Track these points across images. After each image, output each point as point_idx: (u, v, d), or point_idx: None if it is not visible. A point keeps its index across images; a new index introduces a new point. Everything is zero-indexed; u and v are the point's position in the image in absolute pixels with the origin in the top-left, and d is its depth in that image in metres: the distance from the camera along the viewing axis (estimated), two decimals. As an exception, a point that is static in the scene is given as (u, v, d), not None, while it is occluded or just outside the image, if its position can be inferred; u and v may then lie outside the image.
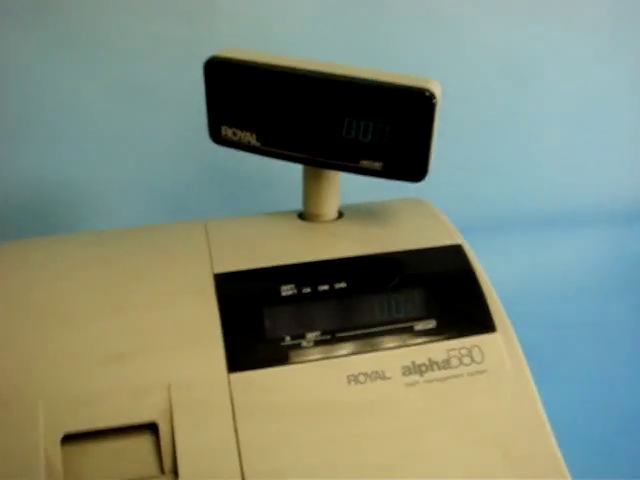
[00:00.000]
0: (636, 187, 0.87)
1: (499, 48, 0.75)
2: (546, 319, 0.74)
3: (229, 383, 0.38)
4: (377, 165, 0.42)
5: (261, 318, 0.41)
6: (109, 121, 0.69)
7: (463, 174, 0.78)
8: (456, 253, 0.45)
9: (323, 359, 0.40)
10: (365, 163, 0.42)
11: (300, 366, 0.39)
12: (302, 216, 0.49)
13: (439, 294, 0.43)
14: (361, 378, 0.39)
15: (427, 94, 0.39)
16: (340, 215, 0.49)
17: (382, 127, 0.41)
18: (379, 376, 0.40)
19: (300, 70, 0.41)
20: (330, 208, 0.48)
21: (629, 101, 0.82)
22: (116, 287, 0.42)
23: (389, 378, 0.40)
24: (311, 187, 0.47)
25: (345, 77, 0.41)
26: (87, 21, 0.64)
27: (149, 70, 0.67)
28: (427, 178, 0.43)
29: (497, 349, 0.41)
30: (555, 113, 0.80)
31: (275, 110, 0.42)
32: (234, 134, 0.44)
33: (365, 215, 0.49)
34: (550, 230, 0.84)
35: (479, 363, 0.41)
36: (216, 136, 0.45)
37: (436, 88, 0.40)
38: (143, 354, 0.39)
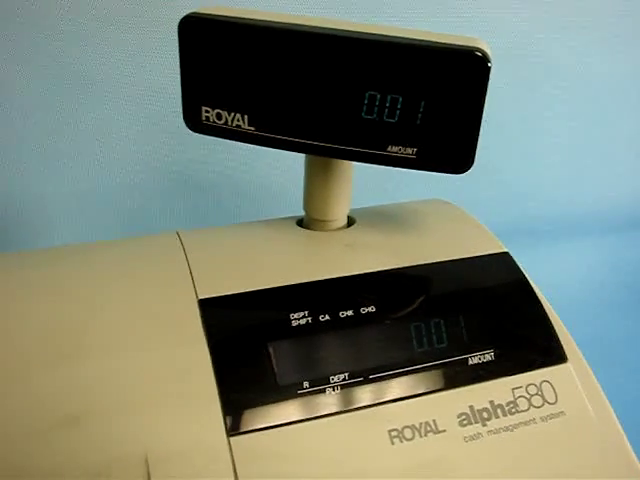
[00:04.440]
0: (636, 192, 0.81)
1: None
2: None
3: (230, 450, 0.28)
4: (409, 152, 0.33)
5: (267, 358, 0.30)
6: (46, 117, 0.57)
7: (456, 179, 0.69)
8: (505, 263, 0.36)
9: (355, 410, 0.30)
10: (394, 150, 0.33)
11: (325, 422, 0.29)
12: (302, 223, 0.39)
13: (494, 316, 0.33)
14: (407, 433, 0.29)
15: (479, 55, 0.30)
16: (351, 221, 0.39)
17: (414, 102, 0.32)
18: (431, 429, 0.30)
19: (305, 28, 0.31)
20: (341, 212, 0.38)
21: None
22: (68, 324, 0.31)
23: (443, 431, 0.30)
24: (317, 184, 0.37)
25: (365, 36, 0.31)
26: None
27: (93, 52, 0.55)
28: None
29: (572, 384, 0.32)
30: (557, 114, 0.73)
31: (273, 83, 0.32)
32: (219, 117, 0.34)
33: (382, 220, 0.39)
34: (548, 241, 0.76)
35: (553, 404, 0.31)
36: (194, 121, 0.34)
37: (488, 49, 0.31)
38: (107, 415, 0.28)
